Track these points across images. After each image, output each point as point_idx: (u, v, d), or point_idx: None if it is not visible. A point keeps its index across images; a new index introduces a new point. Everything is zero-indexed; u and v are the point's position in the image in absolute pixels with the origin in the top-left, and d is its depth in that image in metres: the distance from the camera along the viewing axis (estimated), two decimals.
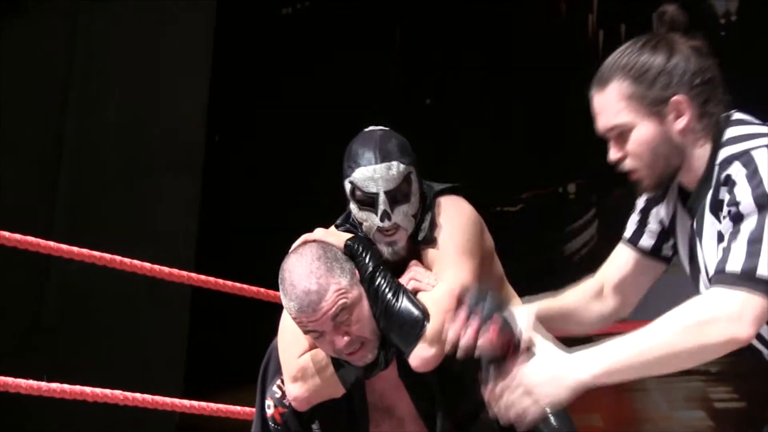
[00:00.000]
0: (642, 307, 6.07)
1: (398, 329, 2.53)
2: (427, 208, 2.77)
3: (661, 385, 5.81)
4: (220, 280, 4.23)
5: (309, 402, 2.58)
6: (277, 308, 2.73)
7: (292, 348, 2.62)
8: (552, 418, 2.69)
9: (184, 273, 4.08)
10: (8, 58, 8.91)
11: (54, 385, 3.45)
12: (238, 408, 4.14)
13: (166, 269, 3.99)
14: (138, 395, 3.72)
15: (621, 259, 2.56)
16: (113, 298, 8.33)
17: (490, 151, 6.83)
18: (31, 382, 3.40)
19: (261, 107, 8.03)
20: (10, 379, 3.33)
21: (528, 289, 2.61)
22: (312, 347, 2.61)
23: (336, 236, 2.68)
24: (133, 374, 7.82)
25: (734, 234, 2.09)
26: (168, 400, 3.87)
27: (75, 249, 3.66)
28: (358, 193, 2.71)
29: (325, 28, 7.85)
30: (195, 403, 3.96)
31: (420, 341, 2.52)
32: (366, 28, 7.60)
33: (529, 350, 2.15)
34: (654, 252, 2.53)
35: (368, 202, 2.70)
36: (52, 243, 3.66)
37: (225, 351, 7.48)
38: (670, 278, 6.20)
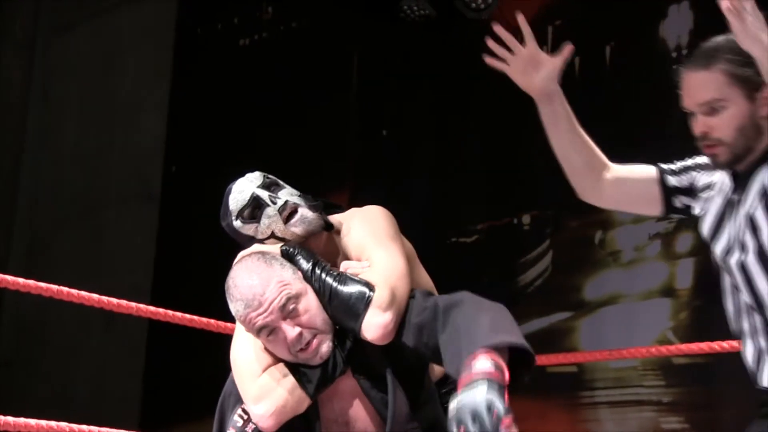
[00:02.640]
0: (599, 336, 6.09)
1: (346, 306, 2.56)
2: (326, 211, 2.91)
3: (615, 416, 5.84)
4: (170, 312, 4.22)
5: (277, 420, 2.54)
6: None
7: (249, 373, 2.61)
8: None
9: (133, 305, 4.07)
10: None
11: None
12: None
13: (115, 301, 3.99)
14: (85, 427, 3.69)
15: (640, 169, 2.73)
16: (69, 331, 8.29)
17: (446, 182, 6.86)
18: None
19: (218, 138, 8.03)
20: None
21: None
22: (268, 367, 2.61)
23: (271, 248, 2.75)
24: (89, 407, 7.79)
25: None
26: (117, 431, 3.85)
27: (30, 282, 3.65)
28: (245, 213, 2.86)
29: (283, 59, 7.88)
30: None
31: (370, 309, 2.54)
32: (323, 59, 7.63)
33: None
34: (668, 190, 2.70)
35: (256, 207, 2.85)
36: (7, 276, 3.64)
37: (182, 383, 7.44)
38: (622, 308, 6.24)
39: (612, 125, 6.06)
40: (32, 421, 3.49)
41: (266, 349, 2.63)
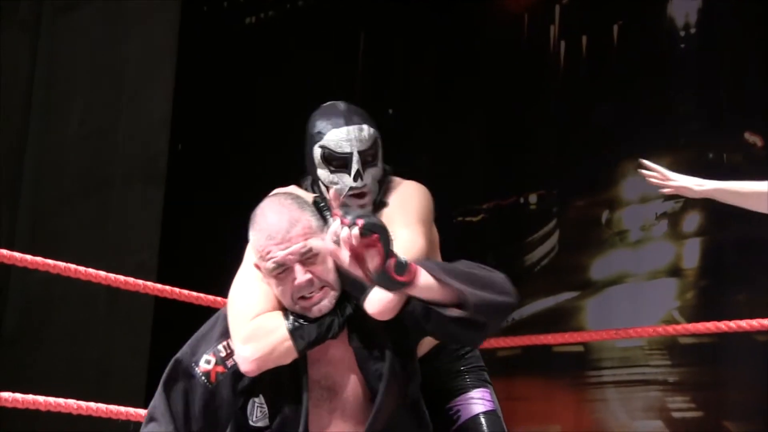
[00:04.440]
0: (606, 315, 6.09)
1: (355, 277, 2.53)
2: (385, 180, 2.90)
3: (621, 395, 5.85)
4: (176, 289, 4.22)
5: (258, 365, 2.52)
6: None
7: (244, 314, 2.59)
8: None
9: (140, 282, 4.06)
10: None
11: (6, 395, 3.43)
12: None
13: (122, 278, 3.98)
14: (92, 404, 3.69)
15: None
16: (75, 309, 8.30)
17: (452, 161, 6.85)
18: None
19: (224, 116, 8.03)
20: None
21: None
22: (264, 312, 2.58)
23: (306, 195, 2.73)
24: (95, 384, 7.81)
25: None
26: (123, 409, 3.85)
27: (38, 259, 3.65)
28: (330, 155, 2.82)
29: (289, 37, 7.86)
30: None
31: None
32: (330, 38, 7.62)
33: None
34: None
35: (341, 163, 2.81)
36: (14, 253, 3.65)
37: None
38: (628, 287, 6.23)
39: (619, 105, 6.05)
40: (39, 398, 3.49)
41: (266, 295, 2.60)
